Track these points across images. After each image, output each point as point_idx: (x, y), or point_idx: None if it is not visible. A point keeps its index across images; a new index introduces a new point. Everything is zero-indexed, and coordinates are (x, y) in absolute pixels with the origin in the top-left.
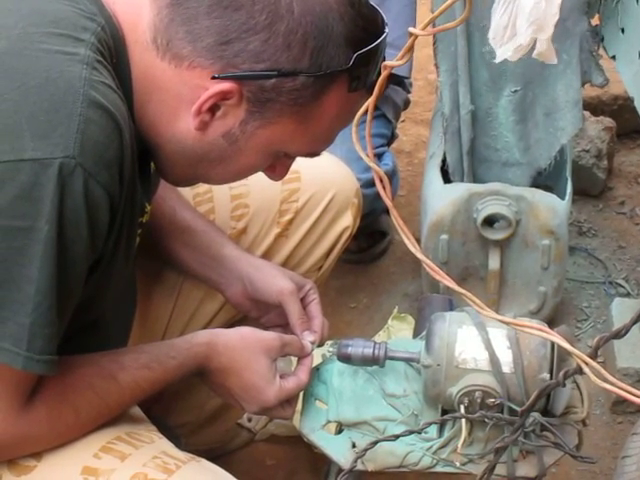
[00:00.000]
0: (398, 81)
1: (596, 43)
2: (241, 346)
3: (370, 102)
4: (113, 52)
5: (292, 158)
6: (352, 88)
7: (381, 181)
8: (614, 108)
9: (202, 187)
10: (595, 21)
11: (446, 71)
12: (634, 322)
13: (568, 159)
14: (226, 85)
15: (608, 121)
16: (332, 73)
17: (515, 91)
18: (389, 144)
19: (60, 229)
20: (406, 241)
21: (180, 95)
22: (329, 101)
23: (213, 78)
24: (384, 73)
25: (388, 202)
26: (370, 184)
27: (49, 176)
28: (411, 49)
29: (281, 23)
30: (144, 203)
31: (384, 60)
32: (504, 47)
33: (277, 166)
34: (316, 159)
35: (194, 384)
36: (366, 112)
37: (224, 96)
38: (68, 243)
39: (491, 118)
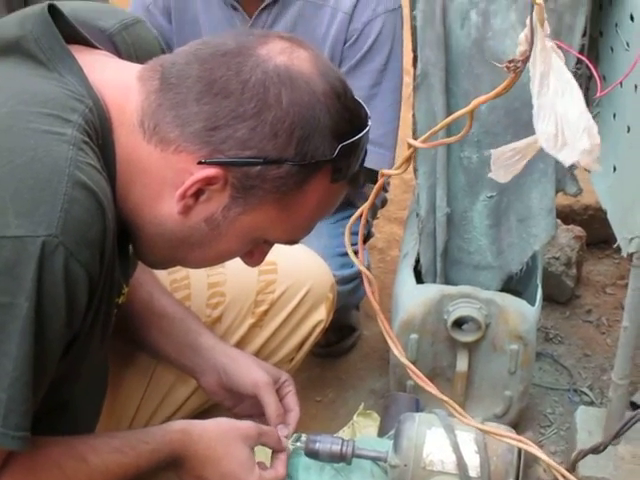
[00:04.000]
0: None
1: None
2: (218, 433)
3: (365, 208)
4: (99, 134)
5: (271, 245)
6: (334, 179)
7: (370, 284)
8: (584, 217)
9: (179, 273)
10: None
11: (424, 174)
12: (612, 438)
13: (539, 265)
14: (212, 171)
15: (578, 230)
16: (316, 163)
17: (491, 197)
18: (365, 242)
19: (39, 307)
20: (392, 348)
21: (164, 178)
22: (312, 190)
23: (199, 163)
24: (380, 181)
25: (376, 306)
26: (346, 281)
27: (31, 253)
28: (409, 160)
29: (269, 112)
30: (122, 284)
31: (366, 153)
32: (564, 152)
33: (255, 252)
34: (294, 251)
35: None
36: (344, 207)
37: (209, 181)
38: (46, 320)
39: (466, 221)
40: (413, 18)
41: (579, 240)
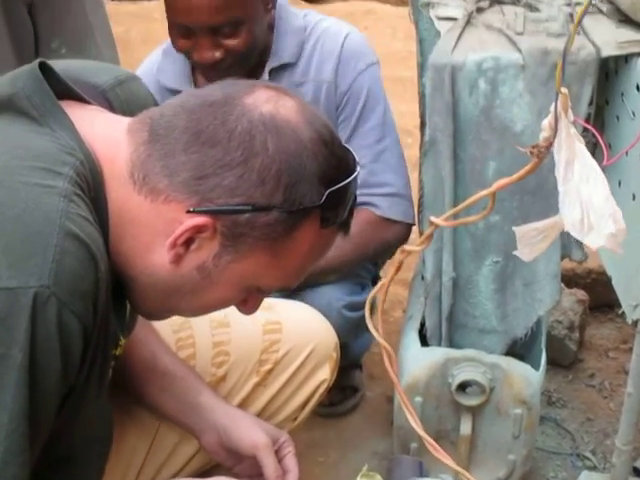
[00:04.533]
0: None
1: None
2: None
3: (387, 281)
4: (91, 186)
5: (264, 292)
6: (324, 224)
7: (389, 357)
8: (587, 281)
9: (185, 332)
10: None
11: (431, 241)
12: None
13: (543, 330)
14: (201, 219)
15: (581, 294)
16: (305, 209)
17: (497, 261)
18: (373, 282)
19: (33, 358)
20: (409, 417)
21: (155, 228)
22: (302, 236)
23: (188, 212)
24: (401, 256)
25: (394, 377)
26: (354, 307)
27: (23, 305)
28: (430, 237)
29: (256, 160)
30: (118, 336)
31: (355, 199)
32: (591, 236)
33: (249, 300)
34: (299, 311)
35: None
36: None
37: (199, 230)
38: (41, 372)
39: (471, 286)
40: (421, 85)
41: (582, 304)
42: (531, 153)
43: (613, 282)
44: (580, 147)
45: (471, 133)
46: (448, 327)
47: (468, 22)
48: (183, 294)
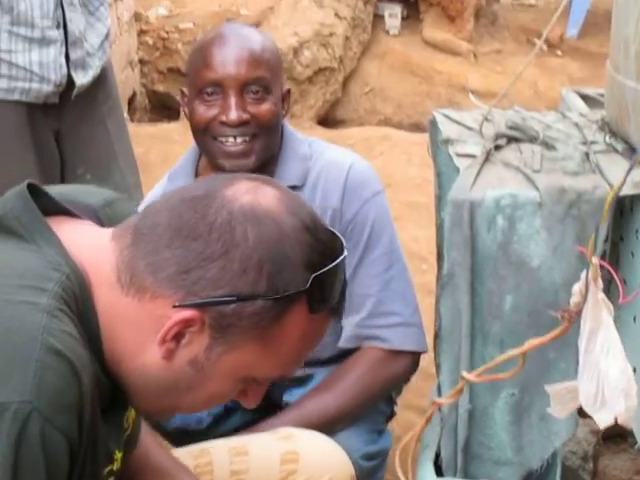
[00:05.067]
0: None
1: None
2: None
3: (416, 432)
4: (79, 298)
5: (262, 383)
6: (313, 309)
7: None
8: None
9: (203, 458)
10: None
11: (448, 371)
12: None
13: (558, 461)
14: (187, 313)
15: (595, 424)
16: (290, 296)
17: (512, 394)
18: (387, 421)
19: (16, 474)
20: None
21: (145, 327)
22: (291, 323)
23: (174, 307)
24: (432, 408)
25: None
26: (371, 457)
27: (5, 420)
28: (461, 391)
29: (236, 250)
30: (111, 449)
31: (345, 282)
32: (601, 413)
33: (249, 392)
34: (317, 441)
35: None
36: None
37: (187, 324)
38: None
39: (487, 417)
40: (439, 217)
41: (596, 434)
42: (562, 317)
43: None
44: (607, 317)
45: (489, 267)
46: (464, 458)
47: (486, 159)
48: (179, 391)
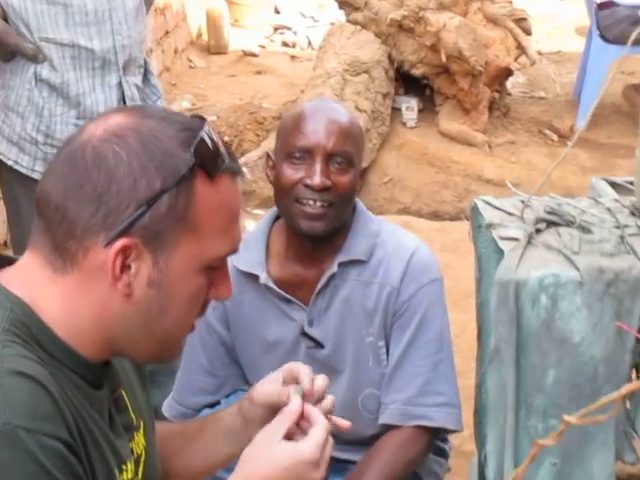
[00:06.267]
0: (441, 450)
1: (630, 425)
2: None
3: None
4: (30, 323)
5: (220, 266)
6: (211, 175)
7: None
8: None
9: None
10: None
11: (493, 440)
12: None
13: None
14: (119, 243)
15: None
16: (185, 176)
17: (554, 463)
18: None
19: None
20: None
21: (96, 283)
22: (203, 198)
23: (105, 247)
24: (535, 449)
25: None
26: None
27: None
28: (562, 433)
29: (118, 171)
30: (123, 456)
31: (224, 142)
32: None
33: (214, 282)
34: None
35: None
36: None
37: (124, 253)
38: None
39: None
40: (479, 297)
41: None
42: None
43: None
44: None
45: (533, 343)
46: None
47: (529, 242)
48: (157, 317)
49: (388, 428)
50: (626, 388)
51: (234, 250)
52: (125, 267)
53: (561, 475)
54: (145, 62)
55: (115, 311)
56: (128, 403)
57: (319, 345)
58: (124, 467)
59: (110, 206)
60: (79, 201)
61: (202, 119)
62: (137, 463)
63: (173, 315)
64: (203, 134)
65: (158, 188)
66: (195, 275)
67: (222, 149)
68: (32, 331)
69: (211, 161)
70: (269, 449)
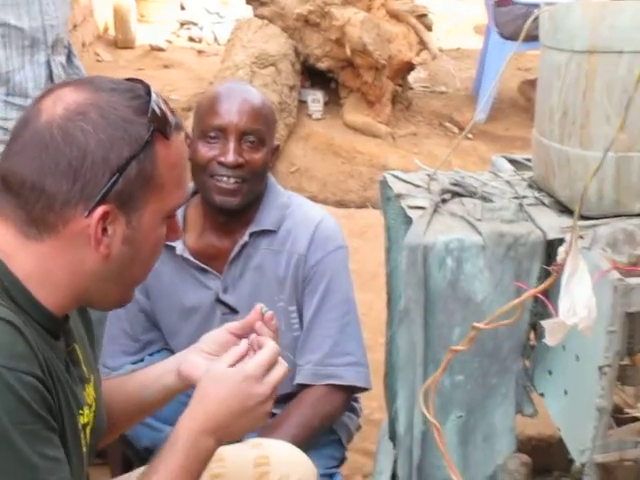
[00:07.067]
0: (352, 408)
1: (529, 379)
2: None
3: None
4: (1, 276)
5: (174, 214)
6: (167, 136)
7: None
8: (529, 447)
9: None
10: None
11: (405, 397)
12: None
13: None
14: (98, 211)
15: (525, 457)
16: (148, 140)
17: (460, 416)
18: (339, 466)
19: (12, 419)
20: None
21: (75, 247)
22: (164, 158)
23: (86, 217)
24: (450, 355)
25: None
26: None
27: None
28: (473, 339)
29: (89, 145)
30: (80, 402)
31: (165, 102)
32: (572, 319)
33: (169, 227)
34: (284, 448)
35: None
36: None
37: (104, 218)
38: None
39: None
40: (390, 267)
41: (526, 466)
42: (552, 270)
43: (562, 433)
44: (581, 262)
45: (439, 303)
46: (418, 478)
47: (435, 210)
48: (129, 267)
49: (304, 387)
50: (525, 295)
51: (187, 195)
52: (104, 231)
53: (466, 427)
54: (68, 43)
55: (90, 268)
56: (80, 357)
57: (233, 311)
58: (81, 412)
59: (86, 178)
60: (56, 178)
61: (144, 84)
62: (90, 411)
63: (142, 263)
64: (153, 100)
65: (127, 155)
66: (160, 225)
67: (170, 111)
68: (4, 284)
69: (164, 123)
70: (218, 375)
